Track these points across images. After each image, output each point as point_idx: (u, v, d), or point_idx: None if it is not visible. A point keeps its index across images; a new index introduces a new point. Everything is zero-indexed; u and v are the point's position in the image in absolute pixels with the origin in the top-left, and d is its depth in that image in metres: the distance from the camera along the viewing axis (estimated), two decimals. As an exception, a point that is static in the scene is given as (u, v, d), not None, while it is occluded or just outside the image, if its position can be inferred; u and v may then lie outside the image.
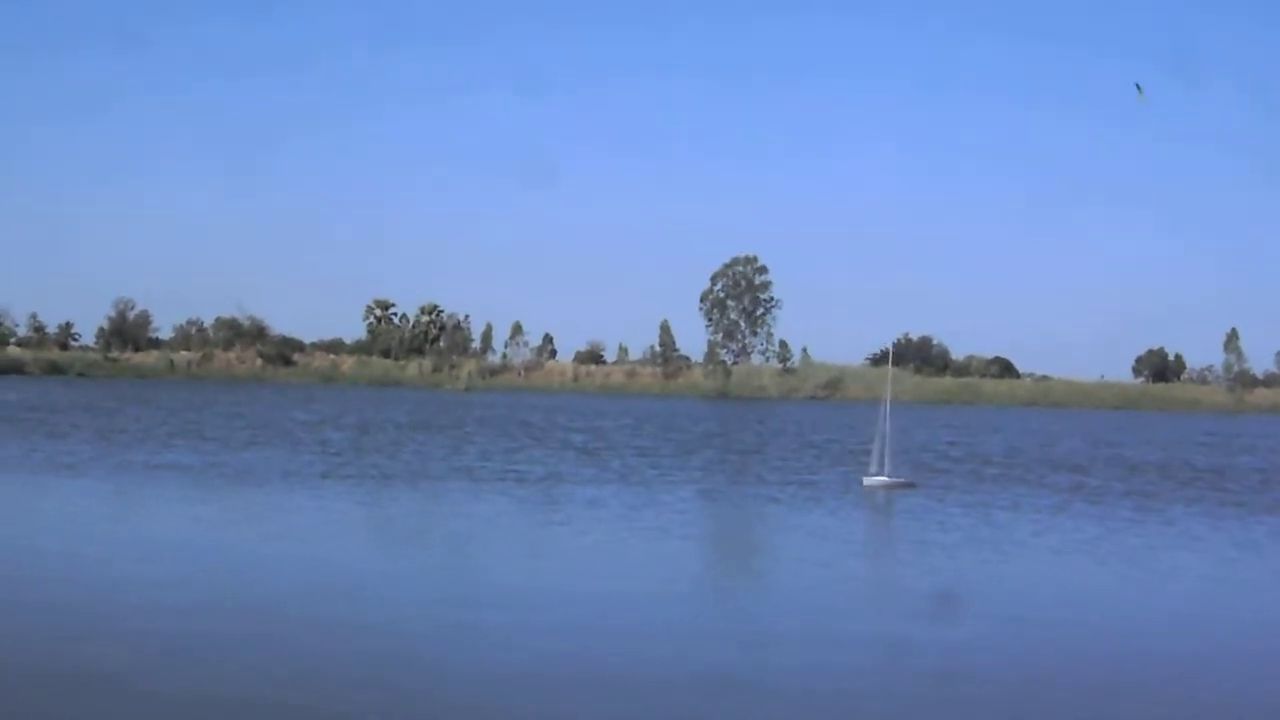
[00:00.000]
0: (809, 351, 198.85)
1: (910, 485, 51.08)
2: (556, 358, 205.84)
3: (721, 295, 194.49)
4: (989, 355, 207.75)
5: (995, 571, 31.65)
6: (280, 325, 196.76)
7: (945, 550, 34.79)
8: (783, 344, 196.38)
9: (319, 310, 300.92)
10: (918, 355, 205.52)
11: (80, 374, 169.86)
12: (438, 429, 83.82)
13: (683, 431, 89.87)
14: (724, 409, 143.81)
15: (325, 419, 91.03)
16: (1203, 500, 51.25)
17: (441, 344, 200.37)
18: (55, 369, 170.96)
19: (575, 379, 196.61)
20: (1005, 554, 34.39)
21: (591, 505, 42.71)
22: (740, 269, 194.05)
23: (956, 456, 73.03)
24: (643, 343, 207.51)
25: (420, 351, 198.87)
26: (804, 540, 37.41)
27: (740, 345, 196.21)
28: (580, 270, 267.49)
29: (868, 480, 51.12)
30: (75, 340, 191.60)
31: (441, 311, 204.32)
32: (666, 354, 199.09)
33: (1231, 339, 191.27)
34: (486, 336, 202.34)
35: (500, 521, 39.26)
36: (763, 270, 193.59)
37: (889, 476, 50.71)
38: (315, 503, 41.32)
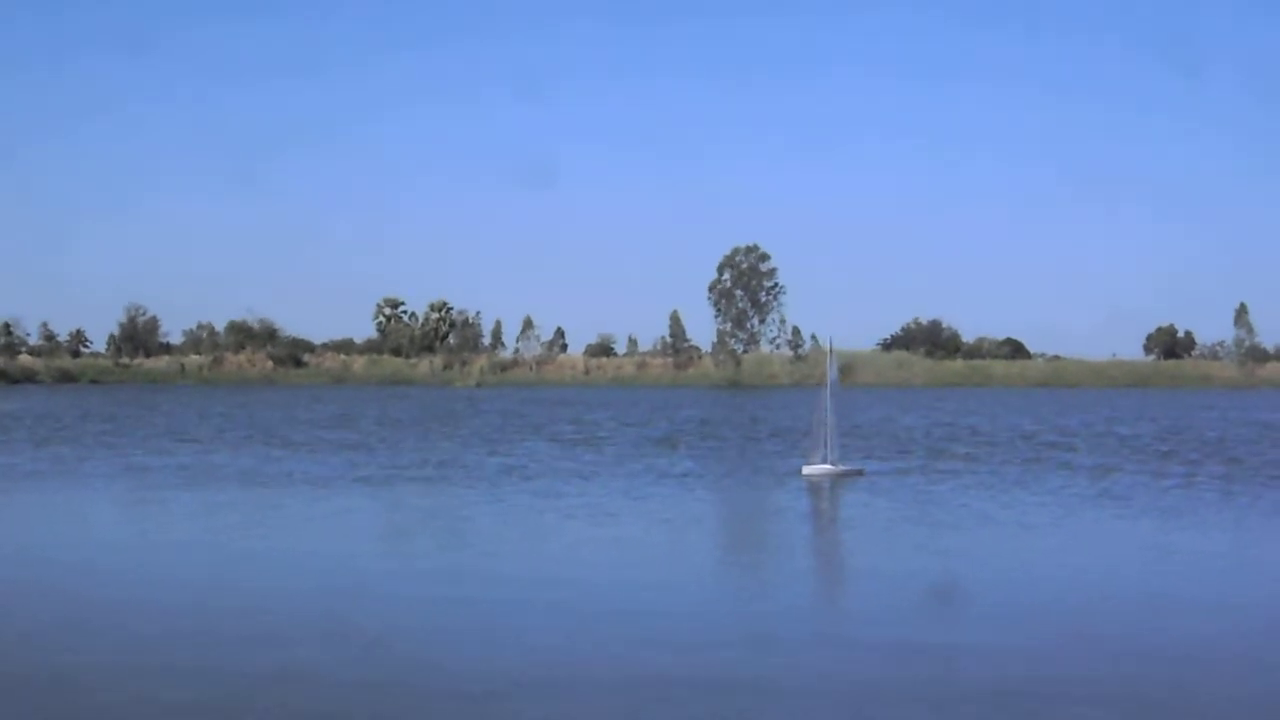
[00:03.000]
0: (818, 338, 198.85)
1: (858, 473, 48.44)
2: (567, 351, 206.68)
3: (729, 284, 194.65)
4: (1000, 337, 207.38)
5: (894, 558, 31.65)
6: (290, 327, 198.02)
7: (858, 538, 35.17)
8: (795, 330, 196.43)
9: (329, 311, 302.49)
10: (928, 339, 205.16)
11: (92, 381, 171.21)
12: (432, 425, 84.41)
13: (672, 422, 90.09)
14: (730, 398, 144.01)
15: (321, 419, 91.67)
16: (1167, 473, 51.21)
17: (452, 341, 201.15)
18: (67, 376, 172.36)
19: (587, 372, 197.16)
20: (922, 539, 34.38)
21: (540, 495, 43.02)
22: (742, 258, 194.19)
23: (939, 436, 73.08)
24: (654, 334, 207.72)
25: (431, 349, 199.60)
26: (697, 530, 37.95)
27: (749, 334, 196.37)
28: (589, 264, 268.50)
29: (807, 469, 48.32)
30: (87, 347, 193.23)
31: (451, 308, 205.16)
32: (677, 344, 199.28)
33: (1241, 314, 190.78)
34: (497, 332, 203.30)
35: (446, 511, 39.84)
36: (765, 258, 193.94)
37: (834, 464, 47.87)
38: (273, 500, 41.76)
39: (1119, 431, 79.23)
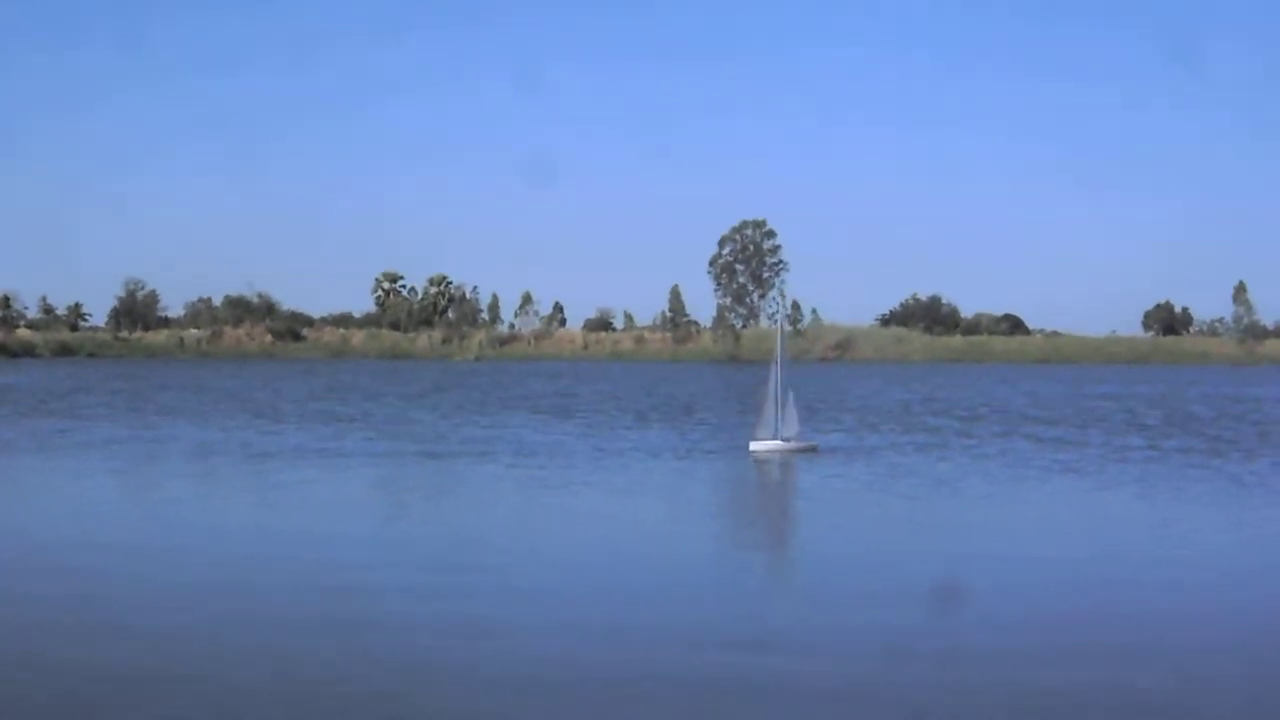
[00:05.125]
0: (818, 313, 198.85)
1: (811, 449, 47.06)
2: (566, 326, 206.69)
3: (730, 259, 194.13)
4: (999, 313, 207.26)
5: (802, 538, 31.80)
6: (289, 301, 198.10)
7: (776, 512, 35.26)
8: (795, 305, 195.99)
9: (328, 285, 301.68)
10: (927, 314, 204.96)
11: (90, 355, 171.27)
12: (414, 398, 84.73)
13: (656, 397, 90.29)
14: (728, 372, 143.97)
15: (306, 392, 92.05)
16: (1131, 446, 51.26)
17: (451, 315, 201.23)
18: (66, 350, 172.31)
19: (585, 347, 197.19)
20: (848, 513, 34.44)
21: (498, 465, 43.24)
22: (748, 233, 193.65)
23: (918, 411, 73.19)
24: (654, 309, 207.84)
25: (430, 323, 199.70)
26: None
27: (749, 309, 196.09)
28: (588, 240, 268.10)
29: (755, 445, 46.86)
30: (85, 321, 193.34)
31: (450, 283, 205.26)
32: (676, 319, 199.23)
33: (1240, 291, 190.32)
34: (495, 307, 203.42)
35: (392, 482, 40.20)
36: (771, 234, 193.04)
37: (784, 440, 46.59)
38: (224, 471, 42.03)
39: (1101, 406, 79.30)
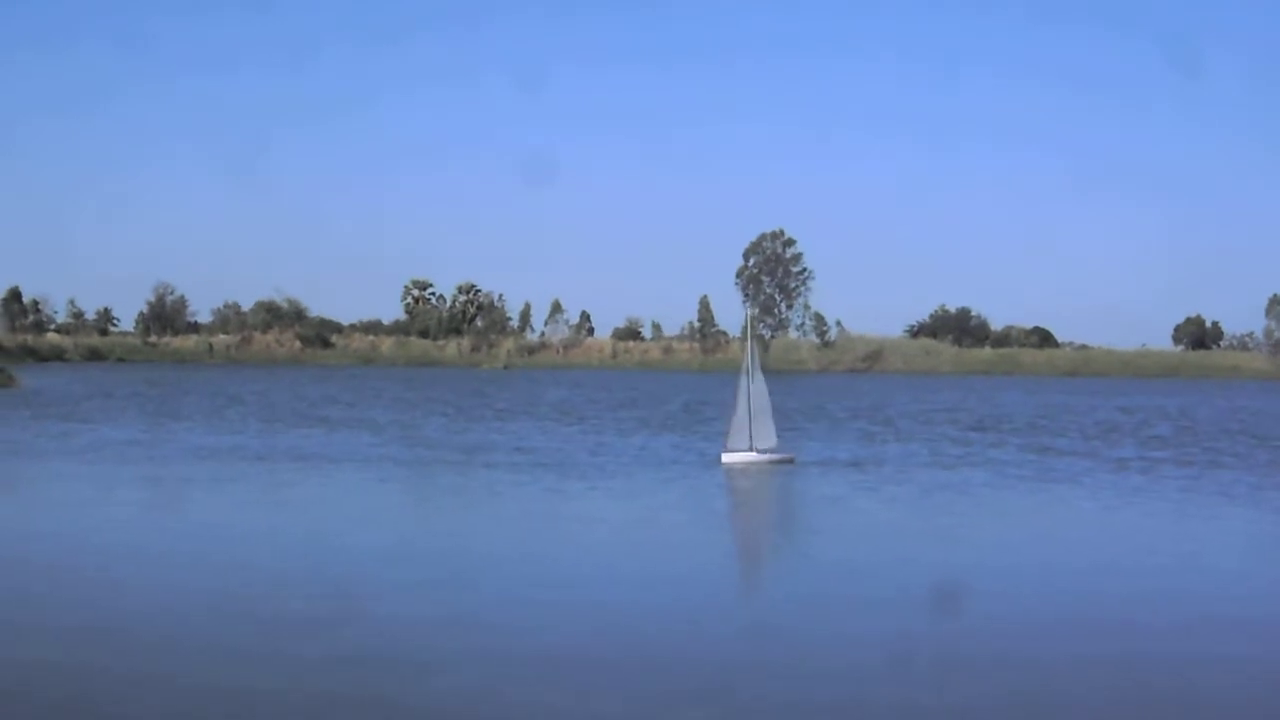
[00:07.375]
0: (843, 324, 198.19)
1: (788, 460, 46.03)
2: (595, 335, 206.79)
3: (755, 270, 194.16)
4: (1028, 326, 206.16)
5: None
6: (318, 307, 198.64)
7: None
8: (818, 316, 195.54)
9: (357, 292, 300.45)
10: (956, 327, 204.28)
11: (120, 359, 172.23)
12: (421, 404, 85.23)
13: (671, 404, 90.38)
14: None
15: (317, 397, 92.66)
16: (1120, 456, 51.12)
17: (479, 323, 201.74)
18: (95, 355, 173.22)
19: (614, 356, 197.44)
20: (806, 523, 34.62)
21: (486, 471, 43.55)
22: (768, 244, 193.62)
23: (922, 423, 73.07)
24: (682, 319, 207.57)
25: (459, 331, 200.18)
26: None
27: (777, 320, 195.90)
28: (616, 249, 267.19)
29: (727, 456, 45.81)
30: (114, 326, 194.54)
31: (479, 291, 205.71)
32: (704, 329, 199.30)
33: (1274, 304, 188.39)
34: (525, 315, 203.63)
35: (361, 486, 40.60)
36: (791, 243, 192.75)
37: (758, 451, 45.33)
38: (209, 474, 42.42)
39: (1112, 418, 79.03)
